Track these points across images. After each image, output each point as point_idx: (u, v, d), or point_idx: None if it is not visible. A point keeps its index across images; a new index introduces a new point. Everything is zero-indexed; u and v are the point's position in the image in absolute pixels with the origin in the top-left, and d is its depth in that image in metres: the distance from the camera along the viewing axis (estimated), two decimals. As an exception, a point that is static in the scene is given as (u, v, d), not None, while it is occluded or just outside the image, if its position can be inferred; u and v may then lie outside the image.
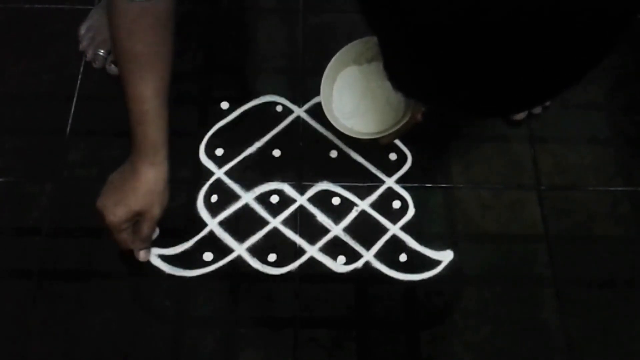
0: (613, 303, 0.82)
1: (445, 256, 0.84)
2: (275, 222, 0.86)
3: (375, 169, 0.90)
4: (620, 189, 0.89)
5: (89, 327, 0.79)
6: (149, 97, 0.73)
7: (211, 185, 0.88)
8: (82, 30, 0.97)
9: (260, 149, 0.91)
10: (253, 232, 0.85)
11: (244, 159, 0.90)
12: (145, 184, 0.76)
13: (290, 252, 0.84)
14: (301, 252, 0.84)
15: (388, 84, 0.83)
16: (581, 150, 0.92)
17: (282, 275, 0.82)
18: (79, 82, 0.96)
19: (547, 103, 0.93)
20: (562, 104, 0.95)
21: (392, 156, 0.91)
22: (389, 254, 0.84)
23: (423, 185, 0.89)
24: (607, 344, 0.80)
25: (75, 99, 0.94)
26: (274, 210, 0.87)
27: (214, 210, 0.86)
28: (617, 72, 0.98)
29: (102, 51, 0.95)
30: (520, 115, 0.92)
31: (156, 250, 0.83)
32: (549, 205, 0.88)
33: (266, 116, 0.94)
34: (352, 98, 0.87)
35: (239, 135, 0.92)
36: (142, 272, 0.82)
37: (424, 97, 0.53)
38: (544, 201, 0.88)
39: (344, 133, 0.85)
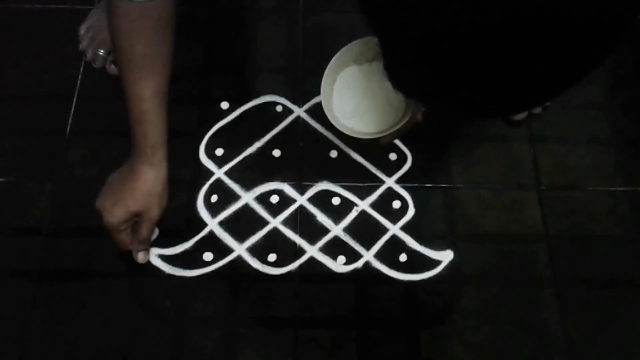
0: (613, 303, 0.82)
1: (445, 256, 0.84)
2: (275, 222, 0.86)
3: (375, 169, 0.90)
4: (620, 189, 0.89)
5: (89, 327, 0.79)
6: (148, 97, 0.73)
7: (211, 185, 0.88)
8: (82, 30, 0.97)
9: (260, 149, 0.91)
10: (253, 232, 0.85)
11: (244, 159, 0.90)
12: (144, 185, 0.76)
13: (290, 252, 0.84)
14: (301, 252, 0.84)
15: (388, 84, 0.83)
16: (581, 150, 0.92)
17: (282, 275, 0.82)
18: (79, 82, 0.96)
19: (547, 103, 0.93)
20: (562, 104, 0.95)
21: (392, 156, 0.91)
22: (389, 254, 0.84)
23: (423, 185, 0.89)
24: (607, 344, 0.80)
25: (75, 99, 0.94)
26: (274, 210, 0.87)
27: (214, 210, 0.86)
28: (617, 72, 0.99)
29: (102, 51, 0.95)
30: (520, 115, 0.92)
31: (156, 250, 0.83)
32: (549, 205, 0.88)
33: (266, 116, 0.94)
34: (352, 98, 0.87)
35: (239, 135, 0.92)
36: (142, 272, 0.82)
37: (424, 97, 0.53)
38: (544, 201, 0.88)
39: (344, 133, 0.84)
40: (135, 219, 0.78)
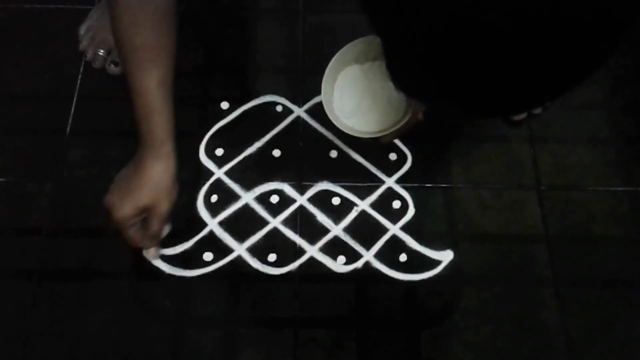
0: (613, 303, 0.82)
1: (445, 256, 0.84)
2: (275, 222, 0.86)
3: (375, 169, 0.90)
4: (620, 189, 0.89)
5: (89, 327, 0.79)
6: (152, 88, 0.72)
7: (211, 185, 0.88)
8: (82, 30, 0.97)
9: (260, 149, 0.91)
10: (253, 232, 0.85)
11: (244, 159, 0.90)
12: (152, 179, 0.75)
13: (290, 252, 0.84)
14: (301, 252, 0.84)
15: (389, 83, 0.83)
16: (581, 150, 0.92)
17: (282, 275, 0.82)
18: (79, 82, 0.96)
19: (547, 103, 0.93)
20: (562, 104, 0.95)
21: (392, 156, 0.91)
22: (389, 254, 0.84)
23: (423, 185, 0.89)
24: (607, 344, 0.80)
25: (75, 99, 0.94)
26: (274, 210, 0.87)
27: (214, 210, 0.86)
28: (617, 72, 0.99)
29: (102, 51, 0.95)
30: (520, 116, 0.92)
31: (156, 250, 0.83)
32: (549, 205, 0.88)
33: (266, 116, 0.94)
34: (353, 97, 0.87)
35: (239, 135, 0.92)
36: (142, 272, 0.82)
37: (426, 97, 0.53)
38: (544, 201, 0.88)
39: (344, 132, 0.84)
40: (144, 214, 0.77)
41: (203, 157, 0.90)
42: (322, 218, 0.86)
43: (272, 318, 0.80)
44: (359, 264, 0.83)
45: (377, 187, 0.88)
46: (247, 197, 0.87)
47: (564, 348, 0.79)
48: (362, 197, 0.88)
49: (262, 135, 0.92)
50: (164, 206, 0.76)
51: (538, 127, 0.93)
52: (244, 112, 0.94)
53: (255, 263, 0.83)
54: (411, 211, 0.87)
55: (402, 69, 0.50)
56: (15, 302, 0.81)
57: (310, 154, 0.91)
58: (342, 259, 0.83)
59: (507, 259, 0.85)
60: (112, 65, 0.95)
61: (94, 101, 0.95)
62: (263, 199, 0.87)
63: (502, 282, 0.83)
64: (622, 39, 0.41)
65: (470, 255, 0.84)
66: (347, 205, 0.87)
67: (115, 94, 0.95)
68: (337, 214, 0.87)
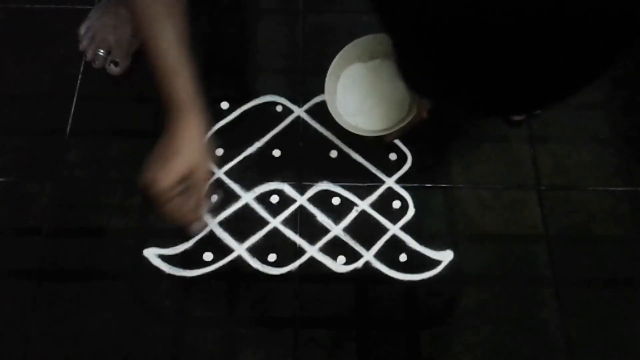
0: (613, 303, 0.82)
1: (445, 256, 0.84)
2: (275, 222, 0.86)
3: (375, 169, 0.90)
4: (620, 189, 0.89)
5: (89, 327, 0.79)
6: (170, 48, 0.72)
7: (211, 185, 0.88)
8: (82, 30, 0.97)
9: (260, 149, 0.91)
10: (253, 232, 0.85)
11: (244, 159, 0.90)
12: (186, 142, 0.73)
13: (290, 252, 0.84)
14: (301, 252, 0.84)
15: (393, 81, 0.83)
16: (581, 150, 0.92)
17: (282, 275, 0.82)
18: (79, 82, 0.96)
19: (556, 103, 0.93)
20: (562, 104, 0.95)
21: (392, 156, 0.91)
22: (389, 254, 0.84)
23: (423, 185, 0.89)
24: (607, 344, 0.80)
25: (75, 99, 0.94)
26: (274, 210, 0.87)
27: (214, 210, 0.86)
28: (617, 72, 0.98)
29: (101, 51, 0.95)
30: (520, 115, 0.92)
31: (156, 250, 0.83)
32: (549, 205, 0.88)
33: (266, 116, 0.94)
34: (356, 95, 0.87)
35: (239, 135, 0.92)
36: (142, 272, 0.82)
37: (435, 96, 0.54)
38: (544, 201, 0.88)
39: (344, 132, 0.85)
40: (186, 183, 0.74)
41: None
42: (322, 218, 0.86)
43: (272, 318, 0.80)
44: (359, 264, 0.83)
45: (377, 187, 0.88)
46: (247, 197, 0.87)
47: (564, 348, 0.79)
48: (362, 197, 0.88)
49: (262, 135, 0.92)
50: (203, 169, 0.75)
51: (538, 127, 0.93)
52: (244, 112, 0.94)
53: (255, 263, 0.83)
54: (411, 211, 0.87)
55: (412, 68, 0.50)
56: (15, 302, 0.81)
57: (310, 154, 0.91)
58: (342, 259, 0.84)
59: (507, 259, 0.84)
60: (112, 65, 0.95)
61: (94, 101, 0.95)
62: (263, 199, 0.87)
63: (502, 282, 0.83)
64: (622, 43, 0.41)
65: (470, 255, 0.84)
66: (347, 205, 0.87)
67: (115, 94, 0.95)
68: (337, 214, 0.87)
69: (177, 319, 0.80)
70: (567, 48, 0.40)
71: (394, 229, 0.86)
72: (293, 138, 0.92)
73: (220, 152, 0.90)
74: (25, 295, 0.81)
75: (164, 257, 0.83)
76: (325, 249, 0.84)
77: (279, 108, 0.94)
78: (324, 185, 0.88)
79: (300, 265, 0.83)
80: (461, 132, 0.93)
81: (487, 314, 0.81)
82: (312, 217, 0.86)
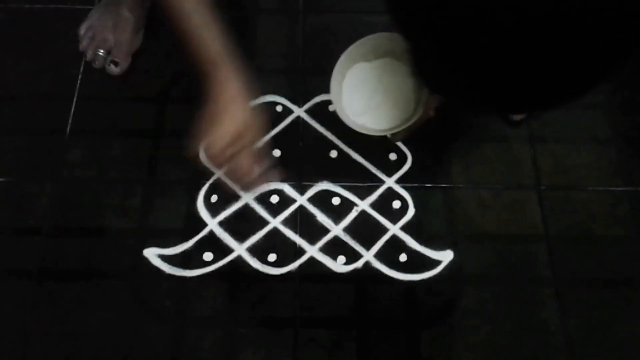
0: (613, 303, 0.82)
1: (445, 256, 0.84)
2: (275, 222, 0.86)
3: (375, 169, 0.90)
4: (620, 189, 0.89)
5: (89, 327, 0.79)
6: (194, 10, 0.71)
7: (211, 185, 0.88)
8: (82, 30, 0.97)
9: (260, 149, 0.91)
10: (253, 232, 0.85)
11: (244, 159, 0.90)
12: (228, 102, 0.72)
13: (290, 252, 0.84)
14: (301, 252, 0.84)
15: (399, 80, 0.84)
16: (581, 150, 0.92)
17: (282, 275, 0.82)
18: (79, 82, 0.96)
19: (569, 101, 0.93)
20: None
21: (392, 156, 0.91)
22: (389, 254, 0.84)
23: (423, 185, 0.89)
24: (607, 344, 0.80)
25: (75, 99, 0.94)
26: (274, 210, 0.87)
27: (214, 210, 0.86)
28: (617, 72, 0.98)
29: (101, 51, 0.95)
30: (520, 115, 0.92)
31: (156, 250, 0.83)
32: (549, 205, 0.88)
33: (266, 116, 0.93)
34: (363, 95, 0.87)
35: (239, 135, 0.92)
36: (142, 272, 0.82)
37: (448, 92, 0.54)
38: (544, 201, 0.88)
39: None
40: (240, 143, 0.73)
41: (203, 157, 0.90)
42: (322, 218, 0.86)
43: (272, 318, 0.80)
44: (359, 264, 0.83)
45: (377, 187, 0.88)
46: (247, 197, 0.87)
47: (564, 348, 0.79)
48: (362, 197, 0.88)
49: (262, 135, 0.92)
50: (252, 126, 0.74)
51: (538, 127, 0.93)
52: (244, 112, 0.94)
53: (255, 263, 0.83)
54: (411, 211, 0.87)
55: (426, 65, 0.51)
56: (15, 302, 0.81)
57: (310, 154, 0.91)
58: (342, 259, 0.84)
59: (507, 259, 0.84)
60: (112, 65, 0.95)
61: (94, 101, 0.95)
62: (263, 199, 0.87)
63: (502, 282, 0.83)
64: (628, 43, 0.42)
65: (470, 255, 0.84)
66: (347, 205, 0.87)
67: (115, 94, 0.95)
68: (337, 214, 0.87)
69: (177, 319, 0.80)
70: (569, 47, 0.40)
71: (394, 229, 0.86)
72: (293, 138, 0.92)
73: (220, 152, 0.90)
74: (25, 295, 0.81)
75: (164, 257, 0.83)
76: (325, 249, 0.84)
77: (279, 108, 0.94)
78: (324, 185, 0.88)
79: (300, 265, 0.83)
80: (461, 132, 0.93)
81: (487, 314, 0.81)
82: (312, 217, 0.86)
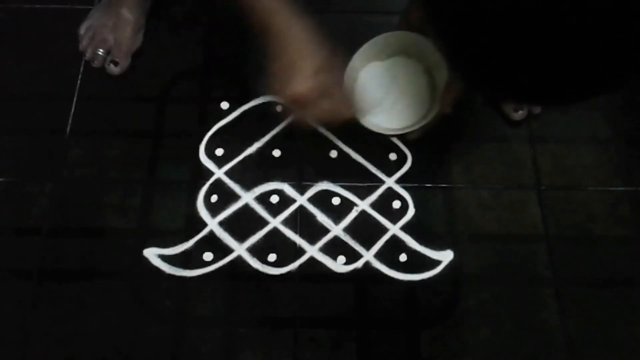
0: (613, 303, 0.82)
1: (445, 256, 0.84)
2: (275, 222, 0.86)
3: (375, 169, 0.90)
4: (620, 189, 0.89)
5: (89, 327, 0.79)
6: None
7: (211, 185, 0.88)
8: (82, 30, 0.97)
9: (260, 149, 0.91)
10: (253, 232, 0.85)
11: (244, 159, 0.90)
12: (300, 48, 0.71)
13: (290, 252, 0.84)
14: (301, 252, 0.84)
15: (412, 78, 0.84)
16: (581, 150, 0.92)
17: (282, 275, 0.82)
18: (79, 82, 0.96)
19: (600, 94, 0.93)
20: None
21: (392, 156, 0.91)
22: (389, 254, 0.84)
23: (423, 185, 0.89)
24: (607, 344, 0.80)
25: (75, 99, 0.94)
26: (274, 210, 0.87)
27: (214, 210, 0.86)
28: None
29: (101, 50, 0.95)
30: (520, 115, 0.92)
31: (156, 250, 0.83)
32: (549, 205, 0.88)
33: (266, 116, 0.94)
34: (376, 94, 0.87)
35: (239, 135, 0.92)
36: (142, 272, 0.82)
37: (488, 86, 0.55)
38: (544, 201, 0.88)
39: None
40: (325, 83, 0.73)
41: (203, 157, 0.90)
42: (322, 218, 0.86)
43: (272, 318, 0.80)
44: (359, 264, 0.83)
45: (377, 187, 0.88)
46: (247, 197, 0.87)
47: (564, 348, 0.79)
48: (362, 197, 0.88)
49: (262, 135, 0.92)
50: (330, 64, 0.73)
51: (538, 127, 0.93)
52: (244, 112, 0.94)
53: (255, 263, 0.83)
54: (411, 211, 0.87)
55: (467, 63, 0.51)
56: (15, 302, 0.81)
57: (310, 154, 0.91)
58: (342, 259, 0.84)
59: (507, 259, 0.84)
60: (112, 65, 0.95)
61: (94, 101, 0.95)
62: (263, 199, 0.87)
63: (502, 282, 0.83)
64: None
65: (470, 255, 0.84)
66: (347, 205, 0.87)
67: (115, 94, 0.95)
68: (337, 214, 0.87)
69: (177, 319, 0.80)
70: (596, 38, 0.41)
71: (394, 229, 0.86)
72: (293, 138, 0.92)
73: (220, 152, 0.90)
74: (25, 295, 0.81)
75: (164, 257, 0.83)
76: (325, 249, 0.84)
77: (279, 108, 0.94)
78: (324, 185, 0.88)
79: (300, 265, 0.83)
80: (461, 132, 0.93)
81: (487, 314, 0.81)
82: (312, 217, 0.86)
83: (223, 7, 1.04)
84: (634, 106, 0.96)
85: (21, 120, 0.93)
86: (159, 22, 1.00)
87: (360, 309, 0.81)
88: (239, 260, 0.83)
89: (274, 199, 0.87)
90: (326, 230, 0.85)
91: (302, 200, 0.87)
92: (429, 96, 0.86)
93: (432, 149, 0.91)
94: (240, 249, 0.84)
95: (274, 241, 0.84)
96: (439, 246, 0.85)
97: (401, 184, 0.89)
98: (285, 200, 0.87)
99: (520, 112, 0.92)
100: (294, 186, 0.88)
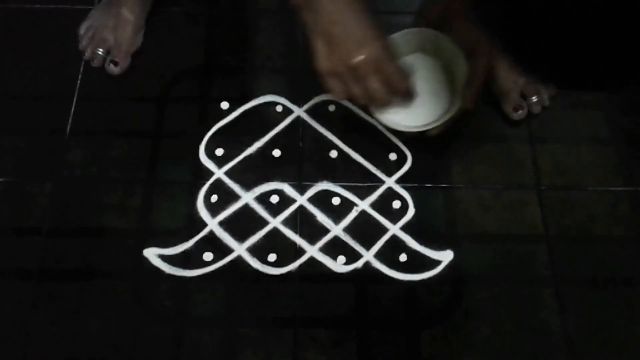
0: (613, 303, 0.82)
1: (445, 256, 0.84)
2: (275, 222, 0.86)
3: (375, 169, 0.90)
4: (620, 189, 0.89)
5: (89, 327, 0.79)
6: None
7: (211, 185, 0.88)
8: (82, 30, 0.97)
9: (260, 149, 0.91)
10: (253, 232, 0.85)
11: (244, 159, 0.90)
12: (341, 22, 0.70)
13: (290, 252, 0.84)
14: (301, 252, 0.84)
15: (430, 75, 0.83)
16: (581, 150, 0.92)
17: (282, 275, 0.82)
18: (79, 82, 0.96)
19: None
20: (562, 104, 0.95)
21: (392, 156, 0.91)
22: (389, 254, 0.84)
23: (423, 185, 0.89)
24: (607, 344, 0.80)
25: (75, 99, 0.94)
26: (274, 210, 0.87)
27: (214, 210, 0.86)
28: (617, 72, 0.98)
29: (100, 50, 0.95)
30: (520, 115, 0.92)
31: (156, 250, 0.83)
32: (549, 205, 0.88)
33: (266, 116, 0.94)
34: None
35: (239, 135, 0.92)
36: (142, 272, 0.82)
37: (550, 70, 0.55)
38: (544, 201, 0.88)
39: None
40: (376, 55, 0.72)
41: (203, 157, 0.90)
42: (322, 218, 0.86)
43: (272, 318, 0.80)
44: (359, 264, 0.83)
45: (377, 187, 0.88)
46: (247, 197, 0.87)
47: (564, 348, 0.79)
48: (362, 197, 0.88)
49: (262, 135, 0.92)
50: (383, 33, 0.72)
51: (538, 127, 0.93)
52: (244, 112, 0.94)
53: (255, 263, 0.83)
54: (411, 211, 0.87)
55: (529, 50, 0.51)
56: (15, 302, 0.81)
57: (310, 154, 0.91)
58: (342, 259, 0.84)
59: (507, 259, 0.84)
60: (112, 65, 0.95)
61: (94, 101, 0.95)
62: (263, 199, 0.87)
63: (502, 282, 0.83)
64: None
65: (470, 255, 0.84)
66: (347, 205, 0.87)
67: (115, 94, 0.95)
68: (337, 214, 0.87)
69: (177, 319, 0.80)
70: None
71: (394, 229, 0.86)
72: (293, 138, 0.92)
73: (220, 152, 0.90)
74: (25, 295, 0.81)
75: (164, 257, 0.83)
76: (325, 249, 0.84)
77: (279, 108, 0.94)
78: (324, 185, 0.88)
79: (300, 265, 0.83)
80: (461, 132, 0.93)
81: (487, 314, 0.81)
82: (312, 217, 0.86)
83: (223, 7, 1.04)
84: (634, 106, 0.96)
85: (21, 120, 0.93)
86: (159, 22, 1.00)
87: (360, 309, 0.81)
88: (239, 260, 0.83)
89: (274, 199, 0.87)
90: (326, 230, 0.85)
91: (302, 200, 0.87)
92: (448, 92, 0.86)
93: (432, 149, 0.91)
94: (240, 249, 0.84)
95: (274, 241, 0.84)
96: (439, 246, 0.85)
97: (401, 184, 0.89)
98: (285, 200, 0.87)
99: (520, 112, 0.92)
100: (294, 186, 0.88)
